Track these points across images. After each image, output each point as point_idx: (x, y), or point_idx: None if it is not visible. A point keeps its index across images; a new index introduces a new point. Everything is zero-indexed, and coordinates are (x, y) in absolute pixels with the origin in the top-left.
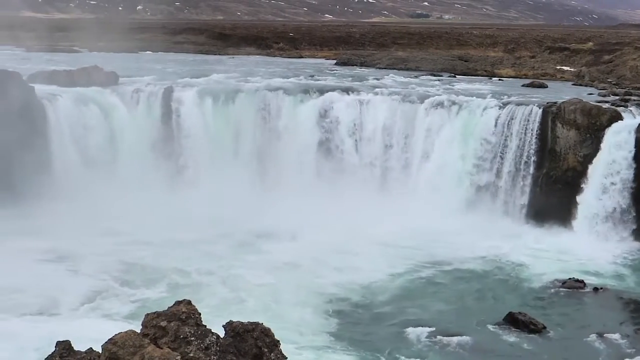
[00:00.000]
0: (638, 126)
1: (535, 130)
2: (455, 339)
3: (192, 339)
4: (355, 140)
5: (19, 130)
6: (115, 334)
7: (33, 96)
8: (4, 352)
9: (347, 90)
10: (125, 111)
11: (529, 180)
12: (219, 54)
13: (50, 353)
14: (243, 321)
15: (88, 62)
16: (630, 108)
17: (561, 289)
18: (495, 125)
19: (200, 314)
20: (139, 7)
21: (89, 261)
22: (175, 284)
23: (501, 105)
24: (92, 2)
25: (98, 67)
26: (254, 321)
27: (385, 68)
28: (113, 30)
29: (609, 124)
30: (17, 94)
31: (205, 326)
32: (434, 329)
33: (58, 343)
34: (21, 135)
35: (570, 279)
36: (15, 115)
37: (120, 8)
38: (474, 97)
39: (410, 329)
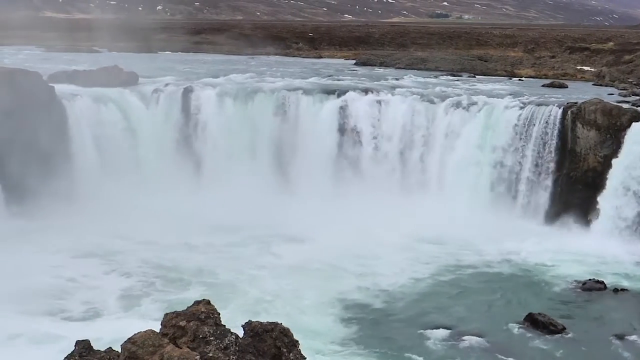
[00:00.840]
0: None
1: (555, 131)
2: (475, 339)
3: (211, 338)
4: (375, 140)
5: (39, 130)
6: (135, 334)
7: (53, 96)
8: (43, 355)
9: (366, 91)
10: (144, 111)
11: (549, 181)
12: (238, 54)
13: (69, 352)
14: (262, 321)
15: (108, 62)
16: None
17: (581, 290)
18: (515, 126)
19: (219, 313)
20: (158, 8)
21: (115, 263)
22: (197, 285)
23: (521, 105)
24: (112, 3)
25: (118, 67)
26: (273, 321)
27: (404, 68)
28: (133, 31)
29: (630, 124)
30: (37, 93)
31: (224, 326)
32: (453, 330)
33: (77, 342)
34: (41, 135)
35: (590, 279)
36: (36, 115)
37: (140, 8)
38: (494, 97)
39: (430, 331)
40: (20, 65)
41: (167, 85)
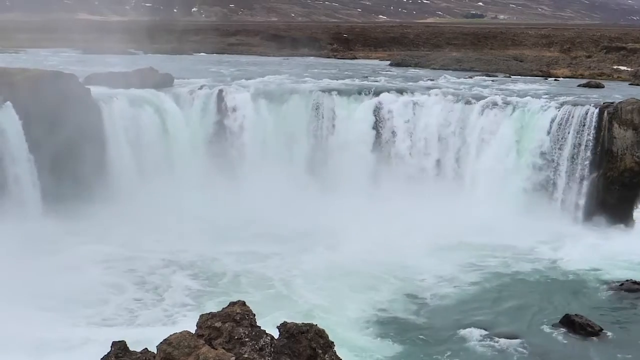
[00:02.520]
0: None
1: (591, 131)
2: (510, 341)
3: (247, 339)
4: (409, 141)
5: (75, 132)
6: (170, 335)
7: (89, 98)
8: (80, 359)
9: (401, 91)
10: (180, 113)
11: (585, 181)
12: (273, 56)
13: (106, 353)
14: (297, 322)
15: (143, 64)
16: None
17: (619, 291)
18: (551, 126)
19: (254, 314)
20: (193, 9)
21: (149, 267)
22: (231, 290)
23: (557, 105)
24: (147, 5)
25: (153, 69)
26: (308, 322)
27: (439, 69)
28: (168, 32)
29: None
30: (73, 95)
31: (260, 327)
32: (489, 331)
33: (114, 343)
34: (77, 137)
35: (627, 280)
36: (72, 116)
37: (175, 10)
38: (530, 98)
39: (464, 331)
40: (56, 68)
41: (202, 86)
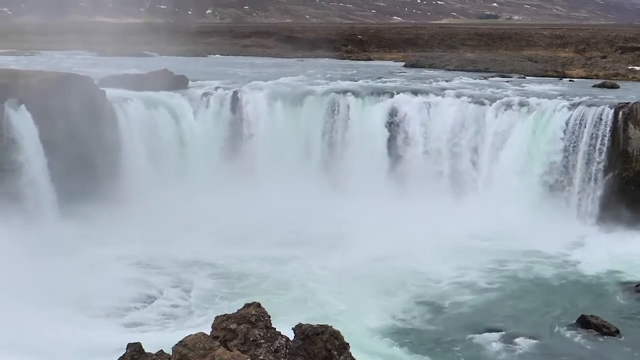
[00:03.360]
0: None
1: (606, 132)
2: (526, 342)
3: (262, 341)
4: (424, 142)
5: (90, 134)
6: (186, 337)
7: (104, 100)
8: None
9: (415, 92)
10: (194, 115)
11: (600, 182)
12: (287, 57)
13: (121, 355)
14: (312, 324)
15: (158, 65)
16: None
17: (635, 292)
18: (566, 127)
19: (269, 316)
20: (208, 11)
21: (168, 267)
22: (248, 293)
23: (572, 106)
24: (162, 7)
25: (168, 71)
26: (324, 324)
27: (454, 70)
28: (183, 34)
29: None
30: (88, 97)
31: (275, 329)
32: (505, 332)
33: (129, 345)
34: (92, 139)
35: None
36: (87, 118)
37: (189, 12)
38: (544, 98)
39: (481, 334)
40: (71, 70)
41: (216, 88)
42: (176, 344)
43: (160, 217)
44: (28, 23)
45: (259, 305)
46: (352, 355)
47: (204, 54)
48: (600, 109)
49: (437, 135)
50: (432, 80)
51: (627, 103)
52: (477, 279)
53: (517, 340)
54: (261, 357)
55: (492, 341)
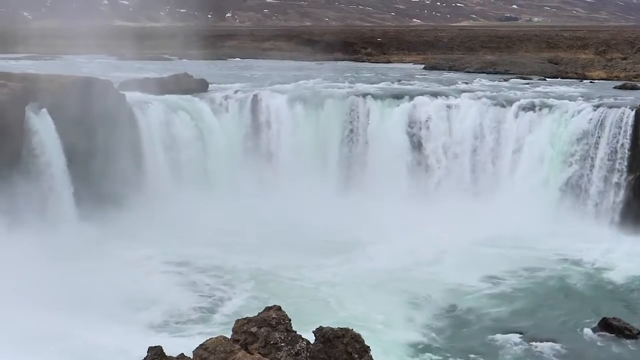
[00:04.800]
0: None
1: (627, 133)
2: (548, 344)
3: (283, 344)
4: (445, 144)
5: (111, 138)
6: (207, 340)
7: (124, 104)
8: None
9: (435, 94)
10: (214, 118)
11: (620, 184)
12: (307, 60)
13: (142, 358)
14: (333, 327)
15: (178, 69)
16: None
17: None
18: (586, 128)
19: (290, 319)
20: (227, 15)
21: (189, 270)
22: (267, 293)
23: (592, 107)
24: (182, 11)
25: (188, 74)
26: (344, 327)
27: (474, 72)
28: (202, 38)
29: None
30: (108, 101)
31: (296, 332)
32: (525, 334)
33: (150, 349)
34: (113, 143)
35: None
36: (107, 122)
37: (209, 16)
38: (565, 100)
39: (500, 336)
40: (92, 74)
41: (236, 91)
42: (197, 347)
43: (181, 220)
44: (48, 27)
45: (279, 308)
46: (373, 358)
47: (224, 57)
48: (620, 110)
49: (458, 137)
50: (452, 82)
51: None
52: (494, 281)
53: (538, 343)
54: None
55: (514, 344)
